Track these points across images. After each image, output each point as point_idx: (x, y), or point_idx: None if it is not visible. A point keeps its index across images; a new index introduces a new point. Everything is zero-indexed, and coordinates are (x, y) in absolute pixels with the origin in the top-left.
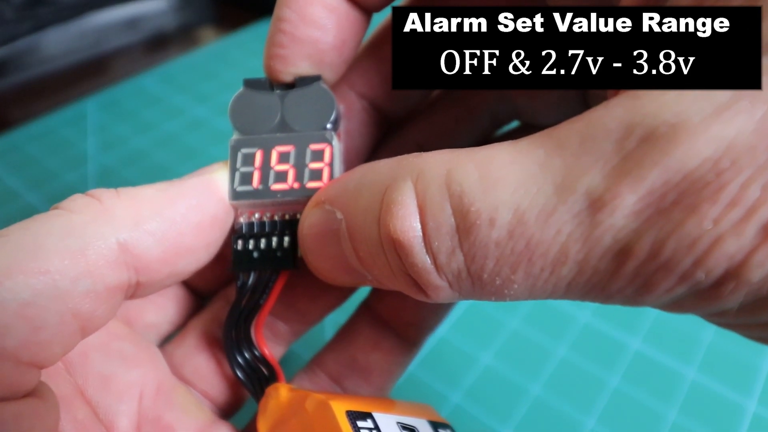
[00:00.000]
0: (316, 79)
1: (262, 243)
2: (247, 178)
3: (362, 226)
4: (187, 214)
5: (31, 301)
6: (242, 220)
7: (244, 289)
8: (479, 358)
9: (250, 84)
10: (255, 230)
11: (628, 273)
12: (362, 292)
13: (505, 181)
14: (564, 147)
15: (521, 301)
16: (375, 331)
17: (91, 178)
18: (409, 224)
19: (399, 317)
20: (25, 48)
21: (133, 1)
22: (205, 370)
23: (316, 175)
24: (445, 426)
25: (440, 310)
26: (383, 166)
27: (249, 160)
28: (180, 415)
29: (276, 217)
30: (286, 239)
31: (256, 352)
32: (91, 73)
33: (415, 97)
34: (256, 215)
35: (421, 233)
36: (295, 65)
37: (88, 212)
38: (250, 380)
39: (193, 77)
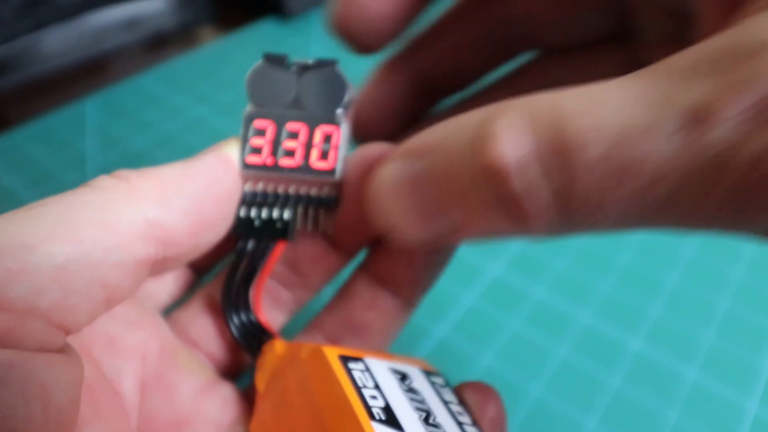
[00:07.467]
0: (333, 62)
1: (264, 212)
2: (256, 150)
3: (452, 164)
4: (207, 189)
5: (64, 267)
6: (246, 188)
7: (243, 253)
8: (479, 360)
9: (270, 59)
10: (258, 199)
11: (727, 189)
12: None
13: (605, 105)
14: (666, 75)
15: (612, 231)
16: (371, 291)
17: (90, 177)
18: (506, 151)
19: (394, 277)
20: (23, 47)
21: (133, 0)
22: (209, 331)
23: (324, 155)
24: (437, 374)
25: (433, 269)
26: (470, 113)
27: (260, 132)
28: (183, 375)
29: (279, 190)
30: (287, 212)
31: (253, 318)
32: (90, 72)
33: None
34: (260, 184)
35: (518, 160)
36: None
37: (118, 190)
38: (247, 341)
39: (192, 77)
